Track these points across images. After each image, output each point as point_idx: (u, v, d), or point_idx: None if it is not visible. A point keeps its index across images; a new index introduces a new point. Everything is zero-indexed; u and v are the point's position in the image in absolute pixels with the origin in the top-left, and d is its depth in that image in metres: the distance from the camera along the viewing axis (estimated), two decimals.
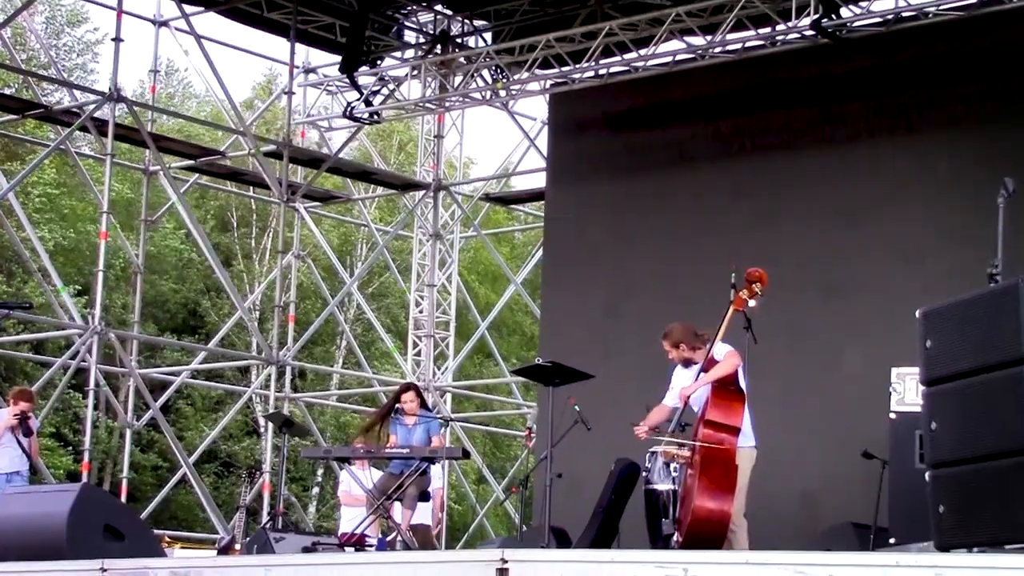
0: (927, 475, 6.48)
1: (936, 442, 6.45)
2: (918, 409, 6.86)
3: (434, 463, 12.93)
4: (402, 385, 14.13)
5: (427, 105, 20.02)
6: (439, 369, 22.92)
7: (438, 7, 20.01)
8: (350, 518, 14.26)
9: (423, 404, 13.35)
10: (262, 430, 28.35)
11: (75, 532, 9.56)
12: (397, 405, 13.06)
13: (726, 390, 10.00)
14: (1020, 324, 5.90)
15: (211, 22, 25.68)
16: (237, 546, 15.25)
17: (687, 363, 10.46)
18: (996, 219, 7.05)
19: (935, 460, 6.46)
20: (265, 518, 18.70)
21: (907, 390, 11.09)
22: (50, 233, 29.30)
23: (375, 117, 20.24)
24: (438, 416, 15.87)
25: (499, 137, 50.03)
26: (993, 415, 6.02)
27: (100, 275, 18.87)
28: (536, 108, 22.68)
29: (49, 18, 34.36)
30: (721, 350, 10.20)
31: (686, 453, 10.08)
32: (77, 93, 21.27)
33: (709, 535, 9.58)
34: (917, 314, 6.60)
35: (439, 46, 19.99)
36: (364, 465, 13.88)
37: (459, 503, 31.03)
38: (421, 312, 22.83)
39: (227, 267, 33.28)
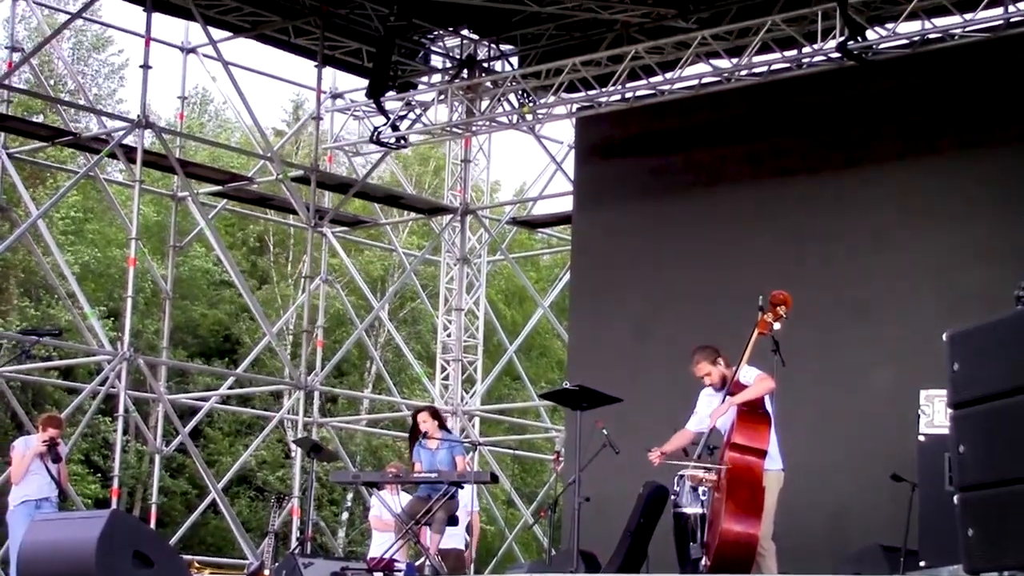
0: (955, 498, 6.45)
1: (964, 465, 6.42)
2: (947, 431, 6.82)
3: (462, 487, 12.92)
4: (417, 408, 14.13)
5: (454, 130, 20.08)
6: (467, 393, 22.93)
7: (464, 32, 20.09)
8: (381, 543, 14.25)
9: (442, 425, 13.32)
10: (292, 455, 28.41)
11: (104, 559, 9.58)
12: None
13: (753, 413, 9.99)
14: None
15: (239, 48, 25.81)
16: (266, 571, 15.27)
17: (722, 384, 10.42)
18: (1022, 240, 7.04)
19: (963, 483, 6.42)
20: (294, 543, 18.71)
21: (936, 412, 11.04)
22: (75, 257, 29.41)
23: (402, 142, 20.29)
24: (465, 440, 15.87)
25: (526, 161, 50.02)
26: (1021, 439, 5.99)
27: (129, 301, 18.96)
28: (563, 132, 22.72)
29: (76, 44, 34.55)
30: (748, 373, 10.19)
31: (713, 476, 10.07)
32: (105, 119, 21.39)
33: (737, 558, 9.56)
34: (944, 337, 6.57)
35: (466, 71, 20.07)
36: (394, 490, 13.89)
37: (490, 524, 31.00)
38: (449, 336, 22.85)
39: (261, 290, 33.40)
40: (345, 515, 33.46)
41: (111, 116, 22.19)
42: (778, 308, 10.15)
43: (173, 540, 20.16)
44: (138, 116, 18.93)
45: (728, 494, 9.72)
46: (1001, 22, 14.89)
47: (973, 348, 6.40)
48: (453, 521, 13.11)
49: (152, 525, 19.17)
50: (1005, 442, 6.11)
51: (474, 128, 20.30)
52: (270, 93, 70.09)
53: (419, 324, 35.28)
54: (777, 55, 16.45)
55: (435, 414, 13.31)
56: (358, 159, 24.47)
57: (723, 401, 10.17)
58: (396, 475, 13.24)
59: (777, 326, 10.14)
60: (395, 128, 19.55)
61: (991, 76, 15.20)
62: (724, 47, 16.60)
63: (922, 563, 10.62)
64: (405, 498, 13.83)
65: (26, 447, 13.67)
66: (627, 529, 13.16)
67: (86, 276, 29.41)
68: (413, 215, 26.42)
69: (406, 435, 16.73)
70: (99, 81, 35.00)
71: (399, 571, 12.48)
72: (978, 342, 6.39)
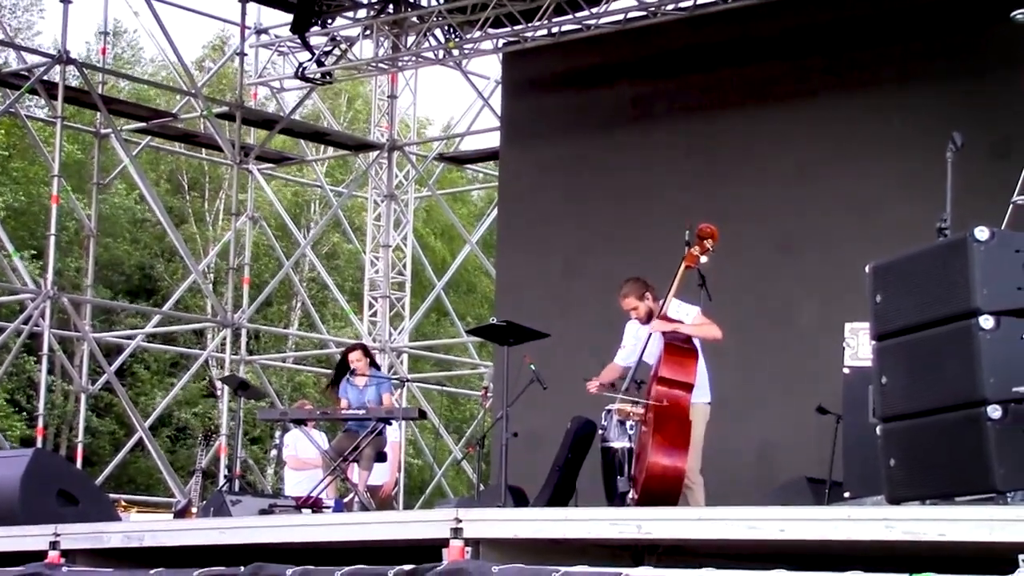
0: (878, 429, 6.51)
1: (886, 396, 6.48)
2: (871, 364, 6.89)
3: (390, 424, 12.95)
4: (348, 346, 14.13)
5: (380, 65, 19.94)
6: (395, 330, 22.89)
7: None
8: (296, 481, 14.27)
9: (372, 363, 13.35)
10: (218, 393, 28.28)
11: (28, 497, 9.54)
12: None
13: (680, 347, 10.01)
14: (969, 278, 5.92)
15: None
16: (194, 509, 15.23)
17: (648, 318, 10.43)
18: (947, 173, 7.08)
19: (886, 414, 6.49)
20: (222, 481, 18.67)
21: (860, 345, 11.11)
22: (0, 198, 29.04)
23: (327, 78, 20.13)
24: (393, 377, 15.87)
25: (454, 97, 49.84)
26: (942, 369, 6.05)
27: (52, 239, 18.75)
28: (490, 67, 22.62)
29: None
30: (677, 308, 10.21)
31: (640, 410, 10.10)
32: (25, 54, 21.05)
33: (664, 492, 9.61)
34: (867, 269, 6.61)
35: (391, 5, 19.86)
36: (310, 427, 13.90)
37: (417, 458, 31.05)
38: (377, 273, 22.78)
39: (179, 229, 33.09)
40: (273, 452, 33.38)
41: (31, 51, 21.83)
42: (705, 241, 10.14)
43: (100, 479, 20.07)
44: (58, 51, 18.65)
45: (655, 428, 9.76)
46: None
47: (895, 280, 6.45)
48: (381, 458, 13.13)
49: (79, 464, 19.06)
50: (926, 373, 6.18)
51: (400, 64, 20.17)
52: (193, 28, 69.33)
53: (338, 259, 35.14)
54: None
55: (367, 352, 13.39)
56: (280, 96, 24.22)
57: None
58: (323, 412, 13.26)
59: (704, 259, 10.14)
60: (320, 63, 19.39)
61: (919, 10, 15.22)
62: None
63: (846, 494, 10.72)
64: (317, 435, 13.91)
65: None
66: (555, 464, 13.21)
67: (9, 215, 29.04)
68: (338, 151, 26.27)
69: (331, 371, 16.66)
70: (17, 14, 34.44)
71: (327, 507, 12.48)
72: (900, 274, 6.44)
